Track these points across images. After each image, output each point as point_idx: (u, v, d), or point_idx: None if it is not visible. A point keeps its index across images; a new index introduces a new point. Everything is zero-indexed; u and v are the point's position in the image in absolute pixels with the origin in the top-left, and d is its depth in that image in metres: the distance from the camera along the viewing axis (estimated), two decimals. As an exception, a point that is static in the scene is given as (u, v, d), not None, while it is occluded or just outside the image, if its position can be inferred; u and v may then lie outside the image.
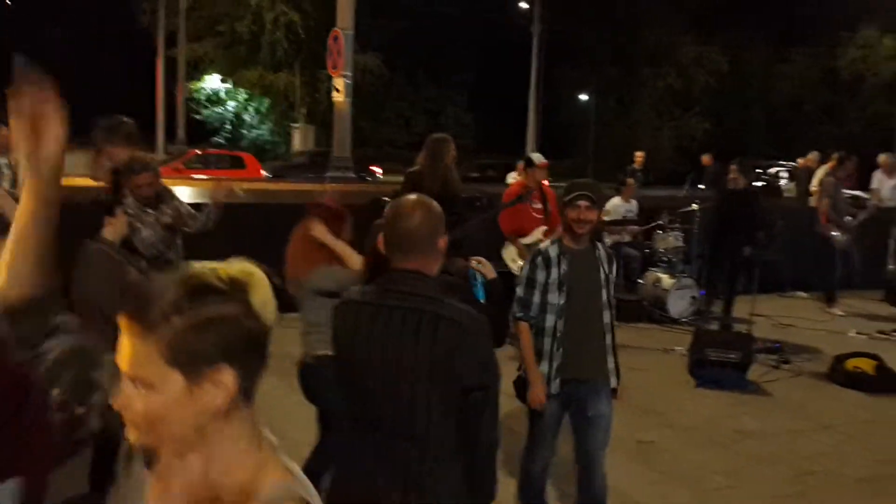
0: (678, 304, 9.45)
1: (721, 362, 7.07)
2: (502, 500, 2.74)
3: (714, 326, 8.81)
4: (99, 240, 4.31)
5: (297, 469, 1.33)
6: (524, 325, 3.90)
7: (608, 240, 10.12)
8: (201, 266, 1.30)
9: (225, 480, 1.28)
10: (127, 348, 1.25)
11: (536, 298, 3.86)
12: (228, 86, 37.51)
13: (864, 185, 12.93)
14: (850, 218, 10.64)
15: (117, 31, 36.90)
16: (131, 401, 1.25)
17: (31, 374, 1.58)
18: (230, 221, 5.74)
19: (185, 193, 9.87)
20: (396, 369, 2.34)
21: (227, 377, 1.25)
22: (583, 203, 3.76)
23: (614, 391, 3.98)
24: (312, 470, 3.91)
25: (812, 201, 12.97)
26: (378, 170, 27.03)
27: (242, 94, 37.79)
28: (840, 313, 10.39)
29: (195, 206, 5.61)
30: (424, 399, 2.32)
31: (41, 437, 1.58)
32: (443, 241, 2.47)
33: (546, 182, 8.12)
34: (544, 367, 3.87)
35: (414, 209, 2.43)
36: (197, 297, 1.25)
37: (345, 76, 14.91)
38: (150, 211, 5.00)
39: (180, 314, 1.23)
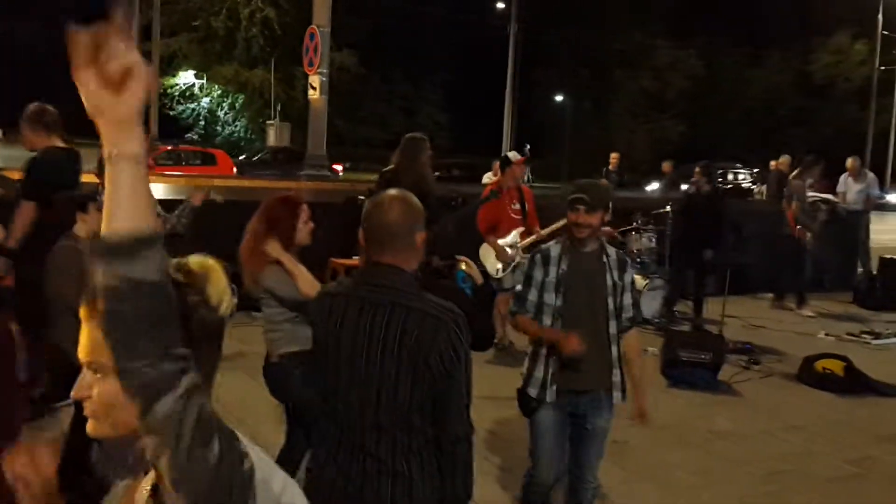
0: (650, 305, 9.50)
1: (693, 363, 7.13)
2: None
3: (685, 327, 8.88)
4: (70, 237, 4.27)
5: (262, 455, 1.33)
6: (521, 316, 3.76)
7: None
8: None
9: None
10: (86, 336, 1.27)
11: (533, 297, 3.71)
12: (202, 81, 37.25)
13: (834, 188, 13.09)
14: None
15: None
16: (90, 388, 1.28)
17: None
18: (202, 219, 5.70)
19: (156, 190, 9.80)
20: (368, 361, 2.34)
21: None
22: (581, 207, 3.58)
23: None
24: (285, 466, 3.89)
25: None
26: (339, 167, 26.92)
27: (217, 91, 37.54)
28: (810, 314, 10.51)
29: (166, 203, 5.57)
30: (394, 391, 2.32)
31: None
32: (421, 237, 2.46)
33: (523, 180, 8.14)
34: (539, 371, 3.72)
35: (392, 203, 2.43)
36: None
37: (321, 74, 14.85)
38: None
39: None
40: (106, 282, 1.08)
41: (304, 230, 3.91)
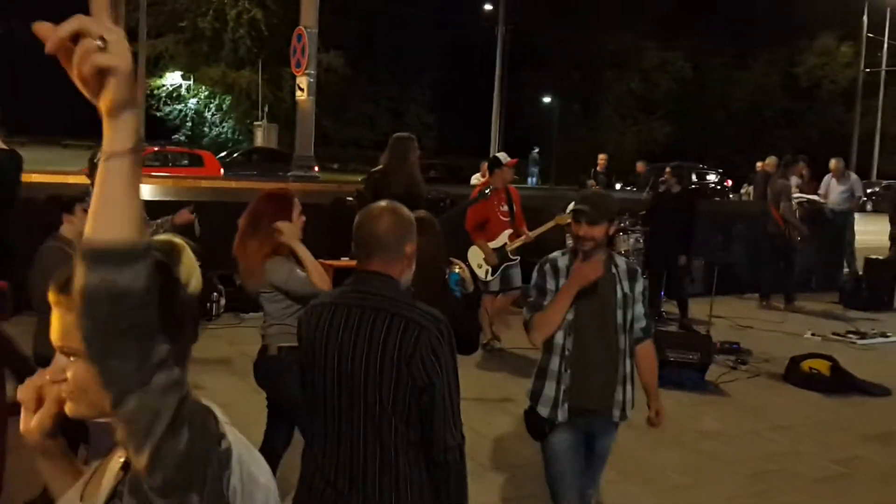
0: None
1: (680, 363, 7.15)
2: None
3: (672, 328, 8.91)
4: (56, 237, 4.25)
5: (239, 435, 1.34)
6: (536, 315, 3.44)
7: (570, 241, 10.18)
8: None
9: None
10: (57, 321, 1.30)
11: (547, 304, 3.47)
12: (189, 83, 37.14)
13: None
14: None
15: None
16: (64, 371, 1.30)
17: None
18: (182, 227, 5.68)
19: (143, 191, 9.77)
20: (353, 367, 2.34)
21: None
22: (583, 219, 3.38)
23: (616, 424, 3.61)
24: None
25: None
26: (315, 168, 26.69)
27: (204, 92, 37.42)
28: (786, 311, 10.64)
29: (152, 205, 5.55)
30: (378, 398, 2.31)
31: None
32: (411, 248, 2.47)
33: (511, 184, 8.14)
34: (551, 389, 3.45)
35: (382, 215, 2.45)
36: None
37: (308, 75, 14.82)
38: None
39: None
40: (90, 284, 1.07)
41: (296, 224, 3.91)
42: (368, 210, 2.50)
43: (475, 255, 7.87)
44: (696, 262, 11.16)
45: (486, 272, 7.83)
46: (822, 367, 7.41)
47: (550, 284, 3.46)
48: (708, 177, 28.32)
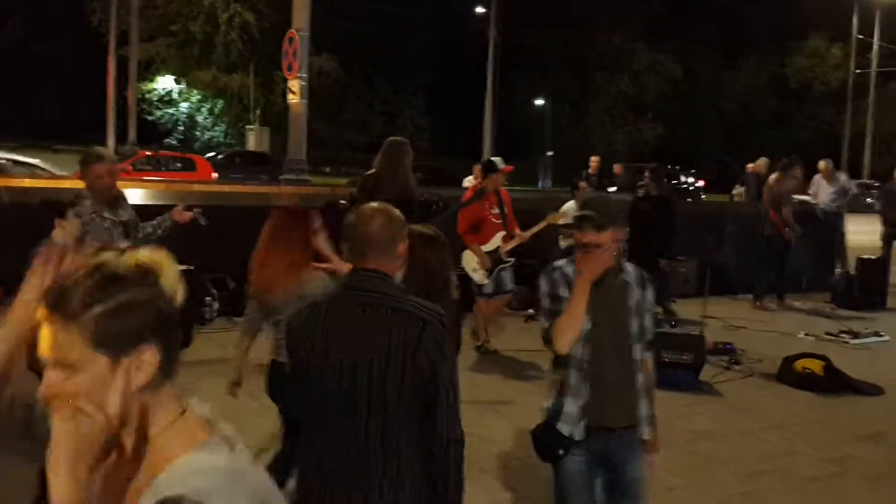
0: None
1: (674, 364, 7.16)
2: None
3: (664, 329, 8.93)
4: (48, 243, 4.23)
5: (231, 435, 1.41)
6: (557, 322, 3.18)
7: (563, 243, 10.18)
8: (110, 254, 1.40)
9: (149, 455, 1.37)
10: (48, 337, 1.33)
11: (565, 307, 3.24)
12: (181, 86, 37.07)
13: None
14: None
15: (67, 29, 36.26)
16: (57, 386, 1.33)
17: None
18: (183, 225, 5.66)
19: (134, 196, 9.74)
20: (356, 365, 2.35)
21: (149, 354, 1.35)
22: (588, 226, 3.17)
23: (646, 443, 3.33)
24: (277, 473, 3.86)
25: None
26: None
27: (196, 95, 37.36)
28: (774, 308, 10.79)
29: (144, 209, 5.53)
30: (383, 394, 2.33)
31: None
32: (403, 247, 2.50)
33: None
34: (570, 405, 3.19)
35: (374, 215, 2.49)
36: (111, 284, 1.34)
37: (300, 78, 14.79)
38: (106, 215, 4.91)
39: (99, 302, 1.32)
40: None
41: (320, 238, 3.96)
42: (360, 211, 2.53)
43: (469, 258, 7.87)
44: (682, 263, 11.20)
45: (481, 275, 7.84)
46: (816, 366, 7.44)
47: (563, 291, 3.23)
48: (680, 177, 28.40)
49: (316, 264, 3.97)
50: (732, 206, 17.39)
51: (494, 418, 6.11)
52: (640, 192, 9.45)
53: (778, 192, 10.94)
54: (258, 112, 35.41)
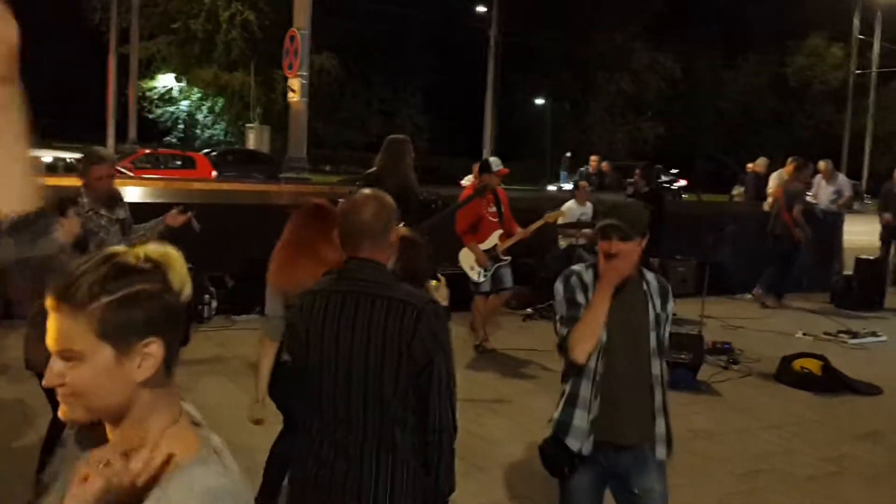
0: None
1: (673, 363, 7.16)
2: None
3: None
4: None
5: (219, 445, 1.41)
6: (575, 329, 3.00)
7: (562, 242, 10.20)
8: (120, 248, 1.41)
9: (142, 448, 1.36)
10: (55, 326, 1.33)
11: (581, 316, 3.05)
12: (182, 84, 37.08)
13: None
14: None
15: (68, 27, 36.27)
16: (62, 376, 1.33)
17: None
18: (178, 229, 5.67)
19: (133, 194, 9.76)
20: (352, 353, 2.37)
21: (155, 348, 1.36)
22: (613, 234, 3.01)
23: (663, 464, 3.12)
24: (276, 470, 3.85)
25: (767, 205, 13.29)
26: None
27: (196, 94, 37.36)
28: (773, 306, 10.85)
29: (143, 207, 5.53)
30: (379, 381, 2.35)
31: None
32: (395, 235, 2.53)
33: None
34: (580, 418, 3.02)
35: (366, 203, 2.50)
36: (120, 276, 1.34)
37: (301, 76, 14.81)
38: (103, 213, 4.92)
39: (107, 292, 1.32)
40: None
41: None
42: (353, 199, 2.55)
43: (466, 256, 7.88)
44: (681, 263, 11.20)
45: (478, 273, 7.84)
46: (814, 366, 7.44)
47: (581, 298, 3.07)
48: (661, 176, 28.45)
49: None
50: (731, 206, 17.40)
51: (492, 417, 6.12)
52: (630, 191, 9.42)
53: (792, 191, 11.00)
54: (259, 110, 35.40)
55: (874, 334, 9.51)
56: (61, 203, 4.38)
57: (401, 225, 2.82)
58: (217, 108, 37.68)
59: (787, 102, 47.15)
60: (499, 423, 5.98)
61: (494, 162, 8.07)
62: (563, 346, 3.03)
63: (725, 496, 5.03)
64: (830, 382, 7.31)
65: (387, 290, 2.41)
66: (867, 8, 39.04)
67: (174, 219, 5.35)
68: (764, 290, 11.17)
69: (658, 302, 3.12)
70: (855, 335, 9.42)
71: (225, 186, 16.33)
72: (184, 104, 37.64)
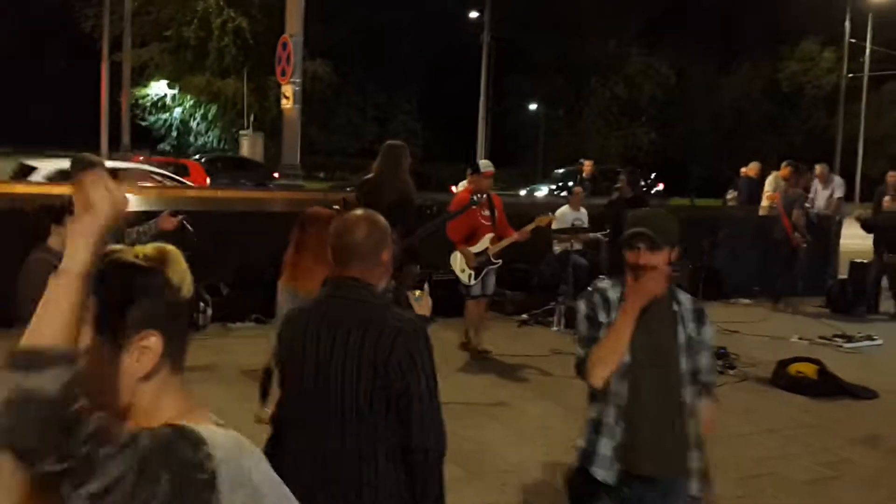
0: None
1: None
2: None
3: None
4: (44, 249, 4.22)
5: (229, 440, 1.39)
6: (594, 351, 2.83)
7: (557, 248, 10.19)
8: (118, 246, 1.43)
9: None
10: None
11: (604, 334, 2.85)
12: (175, 92, 37.06)
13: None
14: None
15: (60, 34, 36.25)
16: None
17: None
18: (178, 229, 5.65)
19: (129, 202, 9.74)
20: (332, 370, 2.37)
21: (153, 342, 1.37)
22: (642, 245, 2.81)
23: (695, 501, 2.88)
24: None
25: (762, 209, 13.33)
26: (276, 175, 26.66)
27: (189, 101, 37.35)
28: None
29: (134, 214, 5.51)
30: (357, 400, 2.34)
31: None
32: (387, 255, 2.53)
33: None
34: (605, 446, 2.83)
35: (358, 223, 2.51)
36: (119, 272, 1.37)
37: (294, 83, 14.79)
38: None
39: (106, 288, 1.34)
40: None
41: None
42: (345, 219, 2.56)
43: (457, 259, 7.89)
44: (675, 267, 11.19)
45: (469, 276, 7.84)
46: (810, 370, 7.45)
47: (602, 316, 2.88)
48: (641, 180, 28.55)
49: None
50: (726, 211, 17.41)
51: (488, 422, 6.11)
52: (615, 195, 9.42)
53: (791, 196, 11.06)
54: (252, 117, 35.40)
55: (869, 338, 9.52)
56: (57, 211, 4.37)
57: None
58: (210, 115, 37.66)
59: (781, 107, 47.31)
60: (495, 429, 5.97)
61: (482, 164, 8.07)
62: (580, 369, 2.87)
63: (722, 500, 5.00)
64: (826, 386, 7.32)
65: (369, 310, 2.41)
66: (859, 12, 39.20)
67: (167, 221, 5.34)
68: (777, 297, 11.21)
69: (691, 325, 2.91)
70: (850, 339, 9.42)
71: (219, 193, 16.29)
72: (177, 111, 37.62)
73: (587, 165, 18.06)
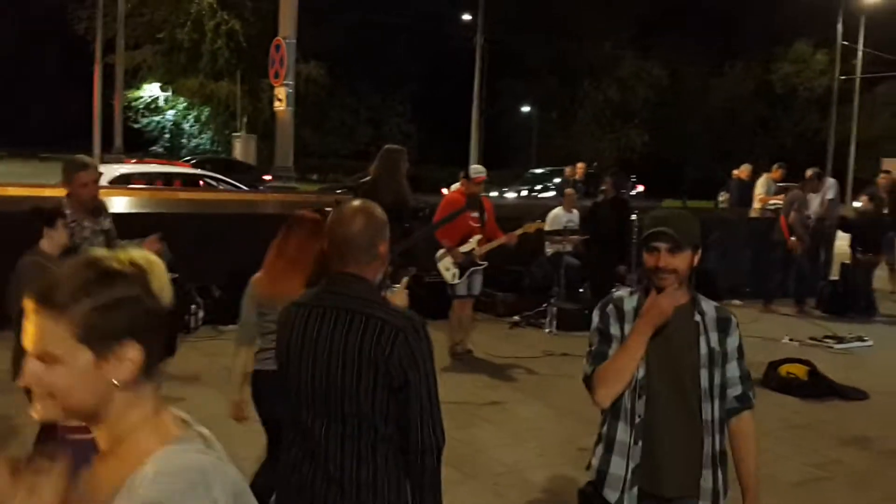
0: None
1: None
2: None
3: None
4: (36, 252, 4.22)
5: (206, 432, 1.42)
6: (598, 369, 2.69)
7: (549, 250, 10.21)
8: (102, 252, 1.42)
9: (124, 451, 1.38)
10: (33, 329, 1.34)
11: (613, 353, 2.69)
12: (168, 94, 36.99)
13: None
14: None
15: (53, 36, 36.17)
16: (38, 377, 1.34)
17: None
18: (171, 231, 5.66)
19: (119, 203, 9.73)
20: (330, 368, 2.36)
21: (133, 352, 1.36)
22: (661, 246, 2.63)
23: None
24: (261, 485, 3.85)
25: (754, 211, 13.38)
26: (268, 177, 26.69)
27: (182, 103, 37.28)
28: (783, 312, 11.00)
29: (127, 218, 5.51)
30: (356, 397, 2.33)
31: None
32: (384, 247, 2.50)
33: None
34: (618, 466, 2.68)
35: (355, 215, 2.48)
36: (103, 280, 1.35)
37: (287, 85, 14.80)
38: (86, 224, 4.91)
39: (89, 296, 1.33)
40: None
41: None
42: (341, 211, 2.52)
43: (443, 258, 7.91)
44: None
45: (453, 275, 7.85)
46: (800, 371, 7.48)
47: (614, 329, 2.71)
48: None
49: None
50: (717, 212, 17.46)
51: (480, 424, 6.12)
52: (601, 198, 9.44)
53: (793, 197, 11.12)
54: (245, 119, 35.35)
55: (860, 339, 9.56)
56: (48, 214, 4.37)
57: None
58: (203, 118, 37.60)
59: (774, 109, 47.40)
60: (487, 430, 5.98)
61: (474, 170, 8.10)
62: (586, 384, 2.74)
63: (713, 502, 5.05)
64: (817, 387, 7.35)
65: (368, 306, 2.39)
66: (851, 14, 39.32)
67: (152, 245, 5.36)
68: (799, 301, 11.27)
69: (714, 336, 2.71)
70: (841, 340, 9.46)
71: (211, 195, 16.28)
72: (170, 114, 37.54)
73: (579, 168, 18.07)
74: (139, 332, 1.37)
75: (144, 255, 1.43)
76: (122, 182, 15.40)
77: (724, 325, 2.75)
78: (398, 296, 3.22)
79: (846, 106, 40.83)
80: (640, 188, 29.32)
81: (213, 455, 1.39)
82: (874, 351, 9.27)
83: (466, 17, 38.65)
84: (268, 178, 22.67)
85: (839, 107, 41.00)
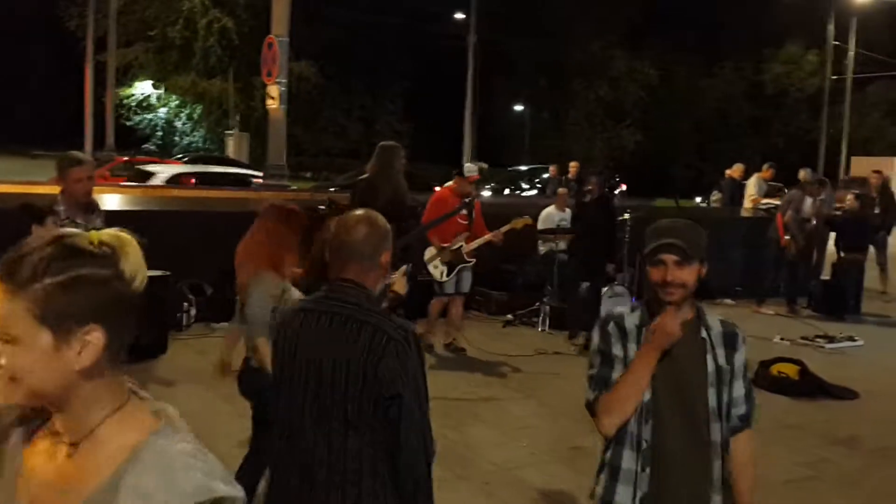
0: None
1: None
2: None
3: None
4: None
5: (179, 424, 1.36)
6: (603, 396, 2.56)
7: (542, 248, 10.22)
8: (73, 230, 1.34)
9: (96, 442, 1.32)
10: None
11: (617, 376, 2.54)
12: (160, 92, 36.89)
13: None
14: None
15: (44, 34, 36.04)
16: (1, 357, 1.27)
17: None
18: (164, 229, 5.65)
19: (111, 201, 9.70)
20: (322, 374, 2.37)
21: (96, 336, 1.28)
22: (669, 258, 2.48)
23: None
24: (247, 474, 3.85)
25: (746, 211, 13.42)
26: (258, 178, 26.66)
27: (174, 101, 37.18)
28: (770, 312, 10.98)
29: (121, 214, 5.50)
30: (344, 403, 2.33)
31: None
32: (386, 256, 2.52)
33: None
34: (624, 495, 2.53)
35: (358, 224, 2.49)
36: (68, 258, 1.28)
37: (279, 84, 14.76)
38: (79, 221, 4.89)
39: (50, 274, 1.26)
40: None
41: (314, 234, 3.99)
42: (345, 219, 2.53)
43: (431, 255, 7.91)
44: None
45: (441, 273, 7.85)
46: (791, 371, 7.50)
47: (617, 350, 2.57)
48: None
49: (295, 269, 3.95)
50: (709, 212, 17.51)
51: (472, 424, 6.12)
52: (587, 198, 9.46)
53: (790, 196, 11.20)
54: (237, 117, 35.26)
55: (851, 339, 9.59)
56: (38, 212, 4.35)
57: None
58: (195, 116, 37.50)
59: (765, 109, 47.55)
60: (479, 430, 5.98)
61: (467, 168, 8.11)
62: (589, 411, 2.62)
63: (704, 501, 5.06)
64: (807, 387, 7.37)
65: (363, 313, 2.39)
66: (842, 15, 39.45)
67: None
68: (790, 301, 11.29)
69: (721, 353, 2.58)
70: (832, 340, 9.49)
71: (203, 193, 16.22)
72: (162, 111, 37.42)
73: (572, 167, 18.09)
74: (104, 317, 1.29)
75: (117, 234, 1.35)
76: (173, 182, 15.49)
77: (730, 341, 2.62)
78: (397, 282, 3.22)
79: (837, 106, 40.97)
80: (624, 187, 29.42)
81: (191, 441, 1.33)
82: (865, 351, 9.30)
83: (459, 16, 38.63)
84: (258, 179, 22.65)
85: (830, 107, 41.15)
